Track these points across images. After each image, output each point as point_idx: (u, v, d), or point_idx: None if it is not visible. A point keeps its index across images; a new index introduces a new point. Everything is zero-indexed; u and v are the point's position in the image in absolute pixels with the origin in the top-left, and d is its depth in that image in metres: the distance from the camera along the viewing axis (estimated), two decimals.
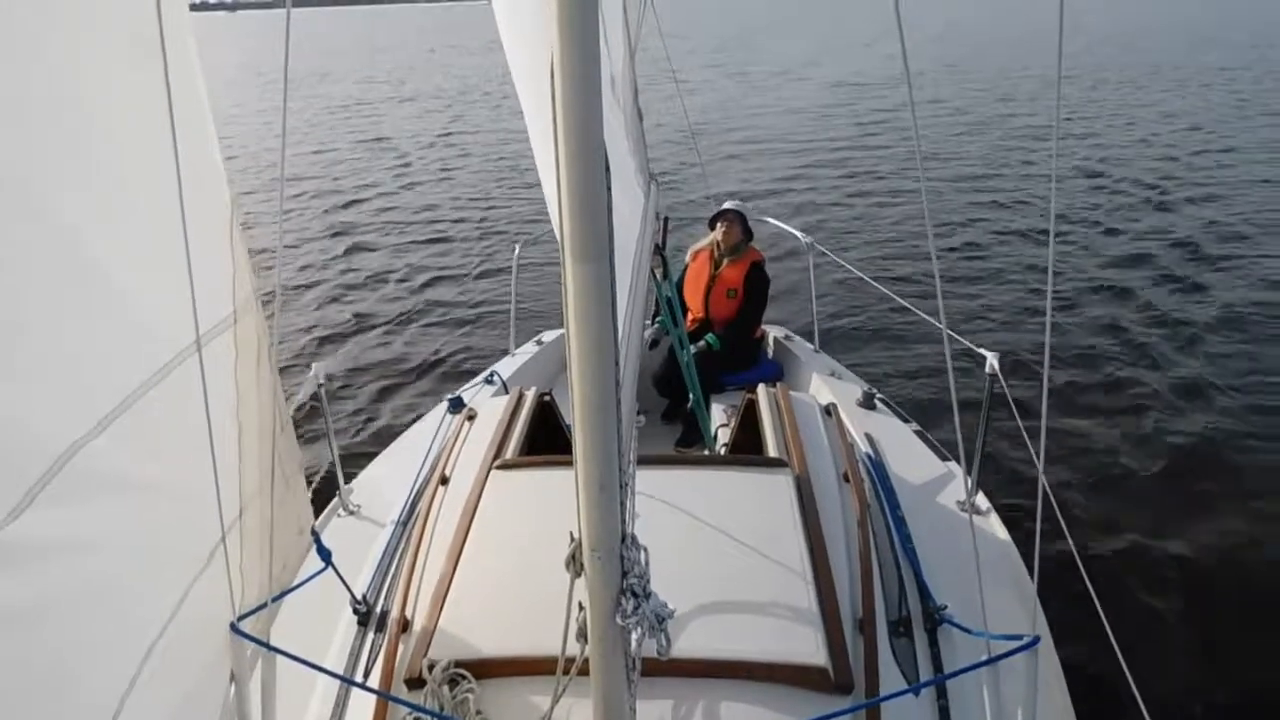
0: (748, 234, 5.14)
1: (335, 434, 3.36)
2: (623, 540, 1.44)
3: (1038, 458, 1.70)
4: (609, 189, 1.14)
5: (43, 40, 1.08)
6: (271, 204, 12.68)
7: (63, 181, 1.13)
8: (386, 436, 4.66)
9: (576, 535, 1.45)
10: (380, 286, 10.11)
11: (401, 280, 10.27)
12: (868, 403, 4.17)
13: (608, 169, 1.12)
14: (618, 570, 1.44)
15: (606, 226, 1.15)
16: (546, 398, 3.62)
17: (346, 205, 13.80)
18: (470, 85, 30.90)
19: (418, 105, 26.48)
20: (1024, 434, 2.45)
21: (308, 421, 5.63)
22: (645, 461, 2.53)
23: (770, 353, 5.43)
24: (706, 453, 4.18)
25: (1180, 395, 6.75)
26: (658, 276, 3.83)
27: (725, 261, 5.09)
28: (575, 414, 1.30)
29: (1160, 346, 7.72)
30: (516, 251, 5.59)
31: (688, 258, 5.35)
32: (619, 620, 1.45)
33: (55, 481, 1.11)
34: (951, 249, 10.56)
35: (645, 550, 1.50)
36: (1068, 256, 10.06)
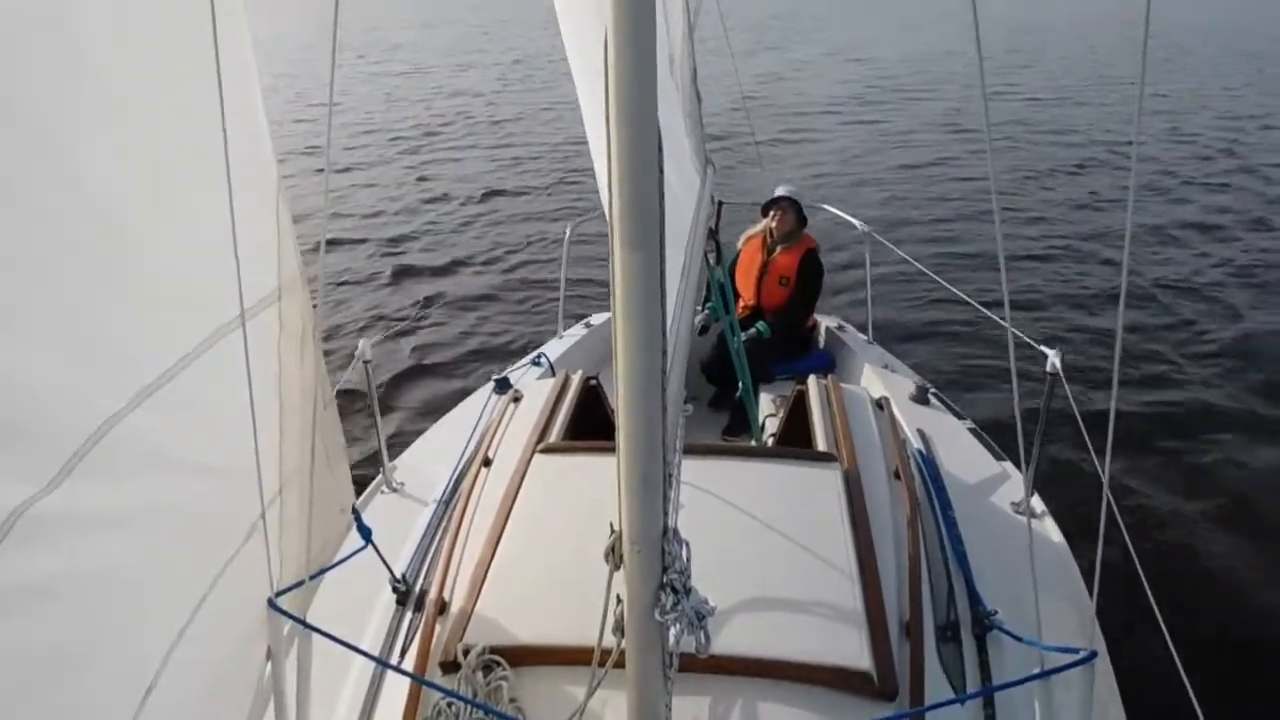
0: (802, 221, 5.05)
1: (381, 412, 3.37)
2: (664, 534, 1.40)
3: (1100, 460, 1.62)
4: (661, 173, 1.09)
5: (86, 5, 1.06)
6: (317, 181, 12.59)
7: (103, 150, 1.11)
8: (432, 414, 4.66)
9: (616, 527, 1.41)
10: (429, 265, 10.08)
11: (450, 260, 10.23)
12: (921, 397, 4.08)
13: (661, 153, 1.07)
14: (658, 565, 1.40)
15: (658, 213, 1.10)
16: (593, 382, 3.59)
17: (395, 185, 13.65)
18: (527, 58, 30.57)
19: (470, 80, 26.39)
20: (1085, 435, 2.36)
21: (353, 399, 5.67)
22: (690, 451, 2.48)
23: (822, 342, 5.35)
24: (753, 443, 4.11)
25: (1262, 411, 6.50)
26: (710, 261, 3.77)
27: (779, 249, 5.01)
28: (620, 406, 1.26)
29: (1245, 359, 7.40)
30: (568, 232, 5.56)
31: (740, 243, 5.27)
32: (657, 616, 1.41)
33: (92, 454, 1.09)
34: (1018, 243, 10.22)
35: (687, 544, 1.45)
36: (1144, 257, 9.73)
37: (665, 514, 1.39)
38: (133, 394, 1.17)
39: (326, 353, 2.14)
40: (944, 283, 4.50)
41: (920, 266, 4.80)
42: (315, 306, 1.76)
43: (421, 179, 13.93)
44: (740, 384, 4.13)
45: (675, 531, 1.43)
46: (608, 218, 1.12)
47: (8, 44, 0.93)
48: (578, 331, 5.28)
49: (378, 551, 2.06)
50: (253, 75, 1.46)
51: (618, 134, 1.03)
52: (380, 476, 3.37)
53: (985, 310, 3.99)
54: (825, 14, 54.61)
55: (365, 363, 3.31)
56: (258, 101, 1.49)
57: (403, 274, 9.74)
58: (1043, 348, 2.94)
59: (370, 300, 8.98)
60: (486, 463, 2.88)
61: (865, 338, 5.26)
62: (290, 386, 1.61)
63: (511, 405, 3.35)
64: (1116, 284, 8.63)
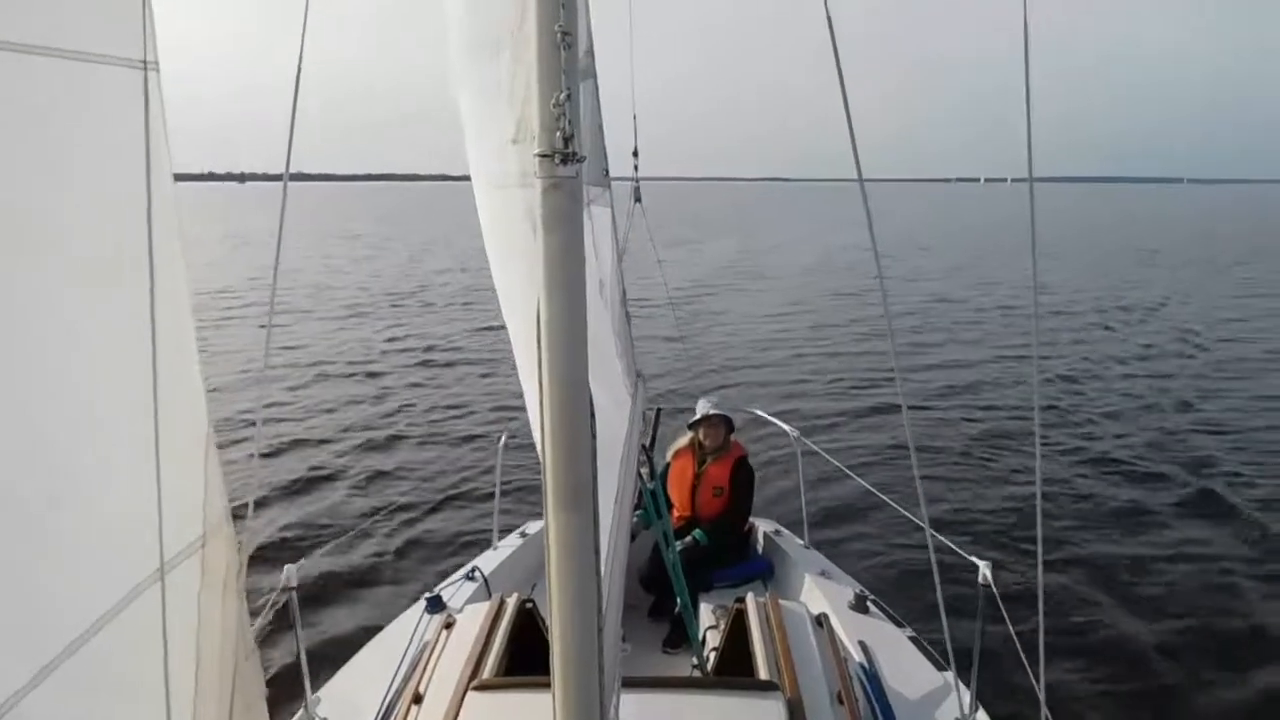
0: (730, 430, 5.15)
1: (308, 636, 3.23)
2: None
3: (1034, 674, 1.62)
4: (594, 435, 1.12)
5: (24, 253, 1.07)
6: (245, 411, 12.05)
7: (26, 385, 1.09)
8: (363, 635, 4.45)
9: None
10: (360, 480, 9.79)
11: (384, 471, 10.01)
12: (860, 605, 4.05)
13: (593, 415, 1.11)
14: None
15: (591, 476, 1.13)
16: (529, 604, 3.50)
17: (325, 406, 13.14)
18: (465, 291, 30.61)
19: (402, 293, 26.87)
20: (1019, 647, 2.37)
21: (278, 628, 5.38)
22: (630, 684, 2.41)
23: (760, 547, 5.33)
24: (695, 662, 4.00)
25: (1191, 600, 6.71)
26: (644, 477, 3.79)
27: (710, 459, 5.07)
28: (555, 668, 1.23)
29: (1155, 551, 7.69)
30: (502, 440, 5.56)
31: (669, 455, 5.31)
32: None
33: None
34: (937, 447, 10.46)
35: None
36: (1055, 456, 10.04)
37: None
38: (36, 670, 1.11)
39: (250, 593, 2.06)
40: (871, 488, 4.59)
41: (849, 473, 4.90)
42: (240, 548, 1.71)
43: (353, 401, 13.66)
44: (679, 600, 4.05)
45: None
46: (543, 474, 1.14)
47: None
48: (513, 542, 5.18)
49: None
50: (188, 322, 1.47)
51: (550, 404, 1.07)
52: (303, 712, 3.18)
53: (913, 518, 4.05)
54: (742, 221, 57.89)
55: (291, 589, 3.19)
56: (191, 348, 1.49)
57: (334, 491, 9.44)
58: (973, 559, 2.98)
59: (299, 522, 8.58)
60: (417, 699, 2.75)
61: (802, 542, 5.26)
62: (209, 640, 1.53)
63: (444, 633, 3.23)
64: (1033, 490, 8.88)
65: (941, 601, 1.53)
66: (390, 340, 18.28)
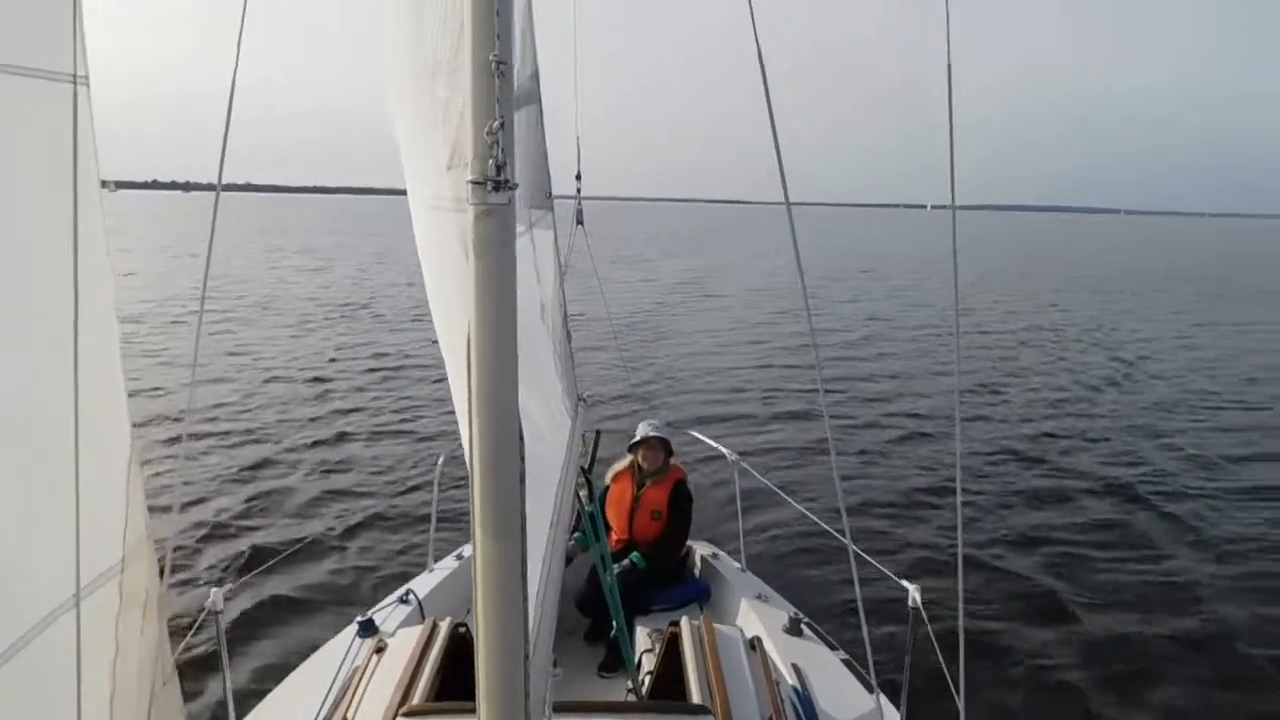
0: (668, 454, 5.18)
1: (235, 664, 3.15)
2: None
3: (957, 692, 1.66)
4: (523, 460, 1.13)
5: None
6: (171, 429, 11.63)
7: None
8: (293, 660, 4.35)
9: None
10: (293, 502, 9.49)
11: (317, 494, 9.71)
12: (794, 629, 4.09)
13: (522, 440, 1.12)
14: None
15: (519, 501, 1.13)
16: (463, 629, 3.46)
17: (252, 426, 12.57)
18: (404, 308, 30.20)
19: (342, 306, 26.38)
20: (943, 667, 2.41)
21: (203, 655, 5.23)
22: (561, 709, 2.40)
23: (697, 571, 5.34)
24: (630, 686, 4.00)
25: (1105, 628, 6.85)
26: (582, 499, 3.79)
27: (648, 482, 5.09)
28: (480, 694, 1.23)
29: (1076, 564, 7.96)
30: (440, 461, 5.51)
31: (608, 478, 5.32)
32: None
33: None
34: (864, 475, 10.57)
35: None
36: (982, 488, 10.21)
37: None
38: None
39: (174, 616, 2.01)
40: (807, 513, 4.64)
41: (786, 496, 4.95)
42: (162, 572, 1.68)
43: (283, 420, 13.28)
44: (615, 624, 4.05)
45: None
46: (471, 503, 1.14)
47: None
48: (449, 564, 5.12)
49: None
50: (112, 331, 1.44)
51: (480, 431, 1.08)
52: None
53: (845, 541, 4.11)
54: (683, 246, 58.39)
55: (216, 614, 3.12)
56: (118, 372, 1.46)
57: (263, 512, 9.13)
58: (903, 582, 3.03)
59: (226, 546, 8.26)
60: None
61: (739, 565, 5.29)
62: (127, 666, 1.50)
63: (375, 657, 3.18)
64: (962, 517, 9.11)
65: (865, 626, 1.56)
66: (330, 359, 17.85)
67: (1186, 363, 19.21)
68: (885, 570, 3.21)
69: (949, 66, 2.23)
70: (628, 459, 5.21)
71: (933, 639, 2.63)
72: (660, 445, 5.10)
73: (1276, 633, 6.79)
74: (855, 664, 3.88)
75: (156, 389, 13.78)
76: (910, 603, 2.95)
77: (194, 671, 5.31)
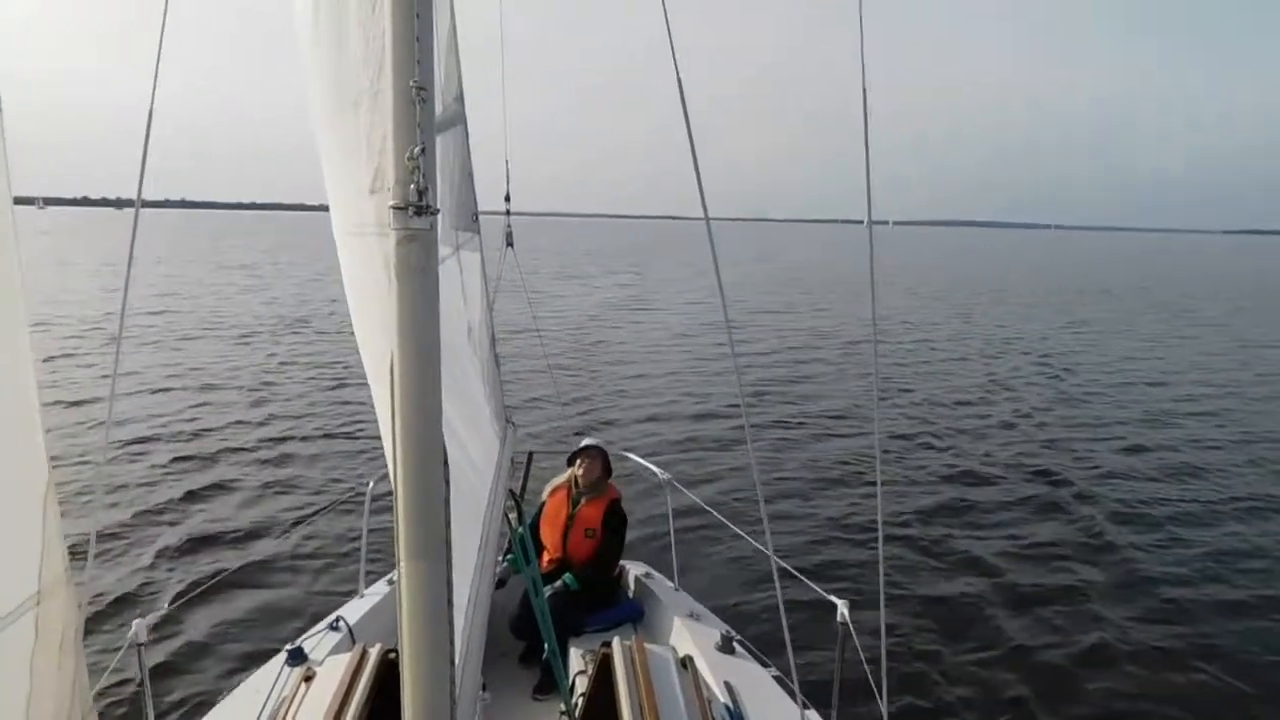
0: (607, 471, 5.19)
1: (160, 696, 3.07)
2: None
3: (881, 700, 1.71)
4: (447, 484, 1.14)
5: None
6: (91, 447, 11.35)
7: None
8: (219, 692, 4.24)
9: None
10: (218, 528, 9.22)
11: (244, 519, 9.47)
12: (726, 647, 4.12)
13: (446, 464, 1.13)
14: None
15: (444, 525, 1.14)
16: (393, 655, 3.42)
17: (178, 441, 12.51)
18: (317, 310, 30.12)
19: (262, 328, 25.84)
20: (869, 678, 2.48)
21: (126, 687, 5.06)
22: None
23: (631, 591, 5.35)
24: (563, 709, 3.99)
25: (1024, 638, 7.05)
26: (512, 521, 3.78)
27: (584, 500, 5.09)
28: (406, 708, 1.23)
29: (997, 574, 8.22)
30: (371, 485, 5.42)
31: (545, 494, 5.32)
32: None
33: None
34: (782, 490, 10.74)
35: None
36: (899, 500, 10.45)
37: None
38: None
39: (97, 648, 1.95)
40: (740, 531, 4.69)
41: (717, 514, 5.00)
42: (81, 605, 1.63)
43: (201, 432, 13.01)
44: (547, 646, 4.03)
45: None
46: (395, 528, 1.15)
47: None
48: (380, 589, 5.04)
49: None
50: (26, 356, 1.40)
51: (404, 455, 1.08)
52: None
53: (776, 559, 4.17)
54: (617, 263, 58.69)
55: (139, 645, 3.03)
56: (30, 384, 1.42)
57: (187, 539, 8.85)
58: (831, 597, 3.09)
59: (149, 574, 8.00)
60: None
61: (672, 585, 5.31)
62: (42, 704, 1.46)
63: (303, 685, 3.13)
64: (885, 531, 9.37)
65: (790, 644, 1.60)
66: (265, 381, 17.45)
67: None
68: (814, 586, 3.27)
69: (864, 90, 2.32)
70: (567, 473, 5.21)
71: (859, 651, 2.69)
72: (599, 455, 5.11)
73: (1180, 629, 7.13)
74: (786, 680, 3.94)
75: (79, 421, 13.30)
76: (839, 618, 3.01)
77: (115, 707, 5.14)
